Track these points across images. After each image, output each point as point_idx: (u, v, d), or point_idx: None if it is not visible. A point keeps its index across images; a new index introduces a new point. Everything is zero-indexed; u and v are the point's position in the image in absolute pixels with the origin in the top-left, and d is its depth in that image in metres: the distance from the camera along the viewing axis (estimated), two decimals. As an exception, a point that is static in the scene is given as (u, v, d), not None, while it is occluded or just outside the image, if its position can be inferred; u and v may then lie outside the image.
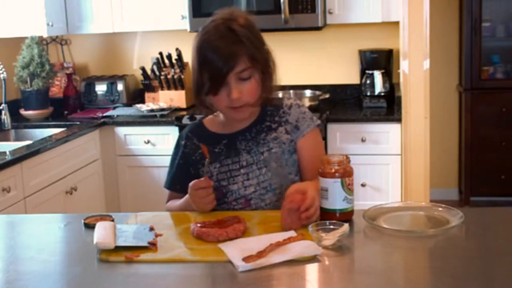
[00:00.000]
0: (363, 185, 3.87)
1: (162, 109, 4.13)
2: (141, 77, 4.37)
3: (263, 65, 1.91)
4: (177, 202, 2.02)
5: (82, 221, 1.85)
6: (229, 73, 1.84)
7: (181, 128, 3.92)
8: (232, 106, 1.90)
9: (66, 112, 4.34)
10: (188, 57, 4.37)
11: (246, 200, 1.95)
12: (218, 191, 1.95)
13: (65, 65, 4.61)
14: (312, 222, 1.69)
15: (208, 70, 1.85)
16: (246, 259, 1.49)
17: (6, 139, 3.92)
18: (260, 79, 1.90)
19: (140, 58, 4.61)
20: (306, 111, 2.02)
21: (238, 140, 1.98)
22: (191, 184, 1.89)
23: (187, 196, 1.93)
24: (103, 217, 1.86)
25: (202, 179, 1.88)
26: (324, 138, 3.85)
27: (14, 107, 4.14)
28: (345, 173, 1.74)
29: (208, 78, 1.86)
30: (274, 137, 1.97)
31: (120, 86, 4.41)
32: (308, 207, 1.70)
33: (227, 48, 1.83)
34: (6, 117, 3.92)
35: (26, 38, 4.18)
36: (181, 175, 2.02)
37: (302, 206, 1.69)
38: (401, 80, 3.82)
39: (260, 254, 1.51)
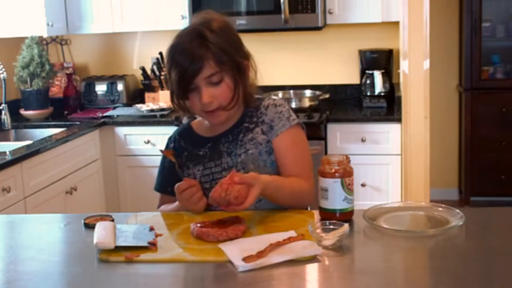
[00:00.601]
0: (363, 185, 3.87)
1: (162, 109, 4.13)
2: (141, 77, 4.37)
3: (235, 68, 1.89)
4: (169, 207, 2.01)
5: (82, 221, 1.85)
6: (195, 77, 1.84)
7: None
8: (205, 110, 1.90)
9: (66, 112, 4.34)
10: (188, 57, 4.40)
11: None
12: None
13: (65, 65, 4.61)
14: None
15: (176, 74, 1.87)
16: (246, 259, 1.49)
17: (6, 139, 3.92)
18: (232, 82, 1.89)
19: (140, 58, 4.61)
20: (283, 111, 1.97)
21: (221, 142, 1.98)
22: (175, 188, 1.88)
23: (177, 202, 1.94)
24: (103, 217, 1.85)
25: (182, 181, 1.88)
26: (324, 138, 3.85)
27: (14, 107, 4.14)
28: (345, 173, 1.74)
29: (177, 83, 1.87)
30: (250, 138, 1.96)
31: (120, 86, 4.41)
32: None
33: (192, 52, 1.84)
34: (6, 117, 3.93)
35: (26, 38, 4.19)
36: (171, 177, 2.01)
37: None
38: (401, 80, 3.82)
39: (260, 254, 1.51)
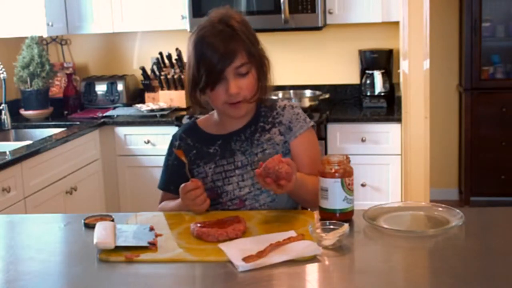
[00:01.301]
0: (363, 185, 3.87)
1: (162, 109, 4.13)
2: (141, 77, 4.37)
3: (259, 62, 1.92)
4: (170, 204, 2.02)
5: (82, 221, 1.85)
6: (226, 68, 1.84)
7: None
8: (229, 102, 1.90)
9: (66, 112, 4.34)
10: (188, 57, 4.40)
11: (241, 201, 1.95)
12: (212, 192, 1.96)
13: (65, 65, 4.61)
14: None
15: (205, 65, 1.85)
16: (246, 259, 1.49)
17: (6, 139, 3.92)
18: (257, 76, 1.91)
19: (140, 58, 4.61)
20: (299, 112, 2.02)
21: (233, 140, 1.98)
22: (180, 187, 1.89)
23: (179, 199, 1.94)
24: (103, 217, 1.86)
25: (189, 181, 1.87)
26: (324, 138, 3.85)
27: (14, 107, 4.14)
28: (345, 173, 1.74)
29: (205, 73, 1.86)
30: (267, 138, 1.97)
31: (120, 86, 4.41)
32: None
33: (225, 43, 1.84)
34: (6, 117, 3.93)
35: (26, 38, 4.18)
36: (174, 176, 2.02)
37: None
38: (401, 80, 3.82)
39: (260, 254, 1.51)
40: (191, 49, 1.90)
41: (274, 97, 2.10)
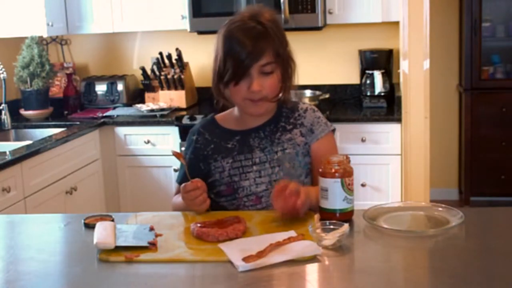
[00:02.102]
0: (363, 185, 3.87)
1: (162, 109, 4.13)
2: (141, 77, 4.37)
3: (285, 63, 1.93)
4: (179, 199, 2.02)
5: (82, 221, 1.85)
6: (253, 65, 1.85)
7: (181, 128, 3.93)
8: (250, 99, 1.90)
9: (66, 112, 4.34)
10: (188, 57, 4.41)
11: (257, 197, 1.96)
12: (228, 187, 1.97)
13: (65, 65, 4.61)
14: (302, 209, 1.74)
15: (232, 59, 1.86)
16: (246, 259, 1.49)
17: (6, 139, 3.92)
18: (281, 76, 1.92)
19: (140, 58, 4.61)
20: (320, 116, 2.05)
21: (251, 137, 1.99)
22: (181, 187, 1.91)
23: None
24: (103, 217, 1.86)
25: (189, 182, 1.88)
26: (324, 138, 3.85)
27: (14, 107, 4.14)
28: (345, 173, 1.74)
29: (232, 68, 1.87)
30: (288, 138, 1.99)
31: (120, 86, 4.41)
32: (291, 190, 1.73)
33: (254, 40, 1.85)
34: (6, 117, 3.93)
35: (26, 38, 4.18)
36: (191, 170, 2.00)
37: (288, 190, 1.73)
38: (401, 80, 3.82)
39: (260, 254, 1.51)
40: (220, 42, 1.91)
41: (294, 100, 2.11)
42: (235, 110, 2.05)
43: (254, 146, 1.98)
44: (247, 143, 1.99)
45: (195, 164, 2.01)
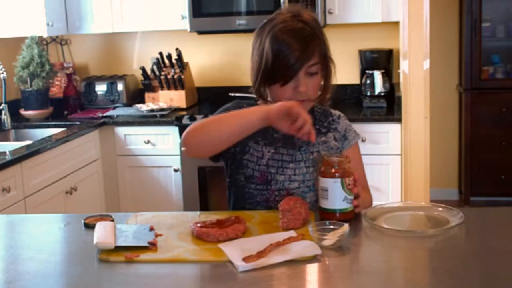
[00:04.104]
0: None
1: (162, 109, 4.13)
2: (141, 77, 4.37)
3: (327, 63, 1.94)
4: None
5: (82, 221, 1.85)
6: (304, 65, 1.86)
7: (181, 128, 3.92)
8: (295, 99, 1.88)
9: (66, 112, 4.34)
10: (188, 57, 4.41)
11: (288, 193, 1.95)
12: (262, 175, 1.95)
13: (65, 65, 4.61)
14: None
15: (281, 61, 1.85)
16: (246, 259, 1.49)
17: (6, 139, 3.92)
18: (323, 77, 1.94)
19: (140, 58, 4.61)
20: (350, 124, 2.09)
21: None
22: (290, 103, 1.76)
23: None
24: (103, 217, 1.86)
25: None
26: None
27: (14, 107, 4.14)
28: (345, 173, 1.74)
29: (280, 70, 1.86)
30: (323, 141, 2.00)
31: (120, 86, 4.41)
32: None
33: (304, 42, 1.85)
34: (6, 117, 3.93)
35: (26, 38, 4.18)
36: None
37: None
38: (401, 80, 3.82)
39: (260, 254, 1.51)
40: (267, 43, 1.88)
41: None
42: None
43: (296, 143, 1.98)
44: (291, 139, 1.97)
45: None
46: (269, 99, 1.95)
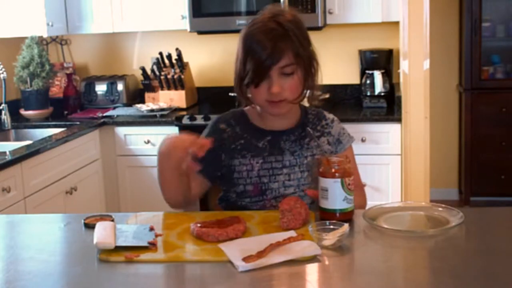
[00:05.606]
0: (363, 185, 3.86)
1: (162, 109, 4.13)
2: (141, 77, 4.37)
3: (307, 63, 1.92)
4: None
5: (82, 221, 1.85)
6: (272, 67, 1.84)
7: (181, 128, 3.93)
8: (270, 100, 1.89)
9: (66, 112, 4.34)
10: (188, 57, 4.41)
11: None
12: (256, 187, 1.96)
13: (65, 65, 4.61)
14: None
15: (252, 61, 1.86)
16: (246, 259, 1.49)
17: (6, 139, 3.92)
18: (302, 77, 1.91)
19: (140, 58, 4.61)
20: (344, 128, 2.09)
21: (282, 139, 1.99)
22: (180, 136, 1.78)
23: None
24: (103, 217, 1.86)
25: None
26: (324, 138, 3.85)
27: (14, 107, 4.14)
28: (345, 173, 1.74)
29: (252, 70, 1.86)
30: (317, 145, 2.00)
31: (120, 86, 4.41)
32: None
33: (273, 42, 1.84)
34: (6, 117, 3.93)
35: (26, 38, 4.18)
36: (210, 158, 1.88)
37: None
38: (401, 80, 3.82)
39: (260, 254, 1.51)
40: (240, 43, 1.90)
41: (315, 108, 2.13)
42: (257, 108, 2.02)
43: (285, 149, 1.97)
44: (277, 145, 1.97)
45: (216, 153, 1.95)
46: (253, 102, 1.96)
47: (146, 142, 4.03)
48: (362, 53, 4.25)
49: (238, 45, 1.92)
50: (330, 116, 2.10)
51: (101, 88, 4.44)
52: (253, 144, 1.98)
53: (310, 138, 2.00)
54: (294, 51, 1.86)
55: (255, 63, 1.85)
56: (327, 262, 1.53)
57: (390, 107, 4.08)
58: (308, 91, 1.97)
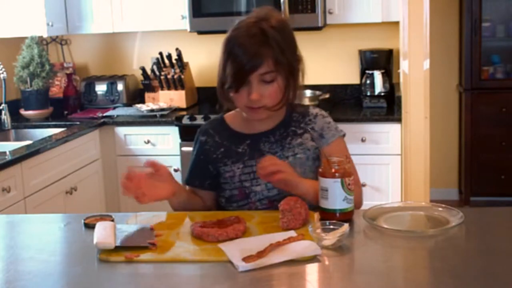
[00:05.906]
0: (363, 185, 3.86)
1: (162, 109, 4.13)
2: (141, 77, 4.37)
3: (288, 70, 1.89)
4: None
5: (82, 221, 1.85)
6: (251, 73, 1.83)
7: (181, 128, 3.93)
8: (250, 106, 1.89)
9: (66, 112, 4.34)
10: (188, 57, 4.41)
11: (270, 201, 1.95)
12: (240, 191, 1.96)
13: (65, 65, 4.61)
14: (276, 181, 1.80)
15: (232, 66, 1.85)
16: (246, 259, 1.49)
17: (6, 139, 3.92)
18: (283, 84, 1.89)
19: (140, 58, 4.61)
20: (331, 121, 2.04)
21: (262, 141, 1.98)
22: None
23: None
24: (103, 217, 1.86)
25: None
26: (324, 138, 3.85)
27: (14, 107, 4.14)
28: (345, 173, 1.74)
29: (231, 74, 1.85)
30: (299, 143, 1.98)
31: (120, 86, 4.41)
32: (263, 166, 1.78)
33: (253, 48, 1.82)
34: (6, 117, 3.93)
35: (26, 38, 4.19)
36: (200, 171, 2.01)
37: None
38: (401, 80, 3.82)
39: (260, 254, 1.51)
40: (223, 46, 1.89)
41: (305, 104, 2.11)
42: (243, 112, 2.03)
43: (265, 151, 1.96)
44: (257, 148, 1.97)
45: (204, 166, 2.01)
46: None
47: (146, 142, 4.03)
48: (362, 53, 4.25)
49: (221, 47, 1.91)
50: (314, 111, 2.05)
51: (101, 88, 4.44)
52: (233, 150, 1.98)
53: (291, 137, 1.99)
54: (274, 58, 1.84)
55: (234, 68, 1.84)
56: (327, 262, 1.53)
57: (390, 107, 4.08)
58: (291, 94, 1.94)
